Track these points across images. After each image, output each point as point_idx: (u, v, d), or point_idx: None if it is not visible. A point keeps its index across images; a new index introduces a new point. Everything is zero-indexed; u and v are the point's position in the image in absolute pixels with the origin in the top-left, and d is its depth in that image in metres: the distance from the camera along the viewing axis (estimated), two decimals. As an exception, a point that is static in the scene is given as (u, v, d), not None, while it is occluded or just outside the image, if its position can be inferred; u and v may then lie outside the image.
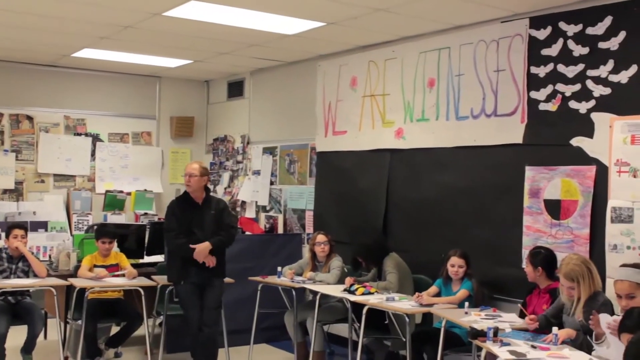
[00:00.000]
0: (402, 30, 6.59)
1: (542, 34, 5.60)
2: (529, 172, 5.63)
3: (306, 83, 8.11)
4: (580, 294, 4.48)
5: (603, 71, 5.17)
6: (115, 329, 6.83)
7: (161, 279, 6.54)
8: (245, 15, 6.16)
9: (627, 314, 3.63)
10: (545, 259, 5.19)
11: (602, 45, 5.19)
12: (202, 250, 5.93)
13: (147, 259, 7.51)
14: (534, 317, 4.54)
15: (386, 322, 5.94)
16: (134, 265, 6.90)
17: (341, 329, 6.84)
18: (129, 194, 9.50)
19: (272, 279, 6.82)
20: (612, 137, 4.91)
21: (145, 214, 9.35)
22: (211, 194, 6.39)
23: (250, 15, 6.16)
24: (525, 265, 5.24)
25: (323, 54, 7.81)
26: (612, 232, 4.87)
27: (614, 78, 5.10)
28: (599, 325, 4.01)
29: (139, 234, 7.61)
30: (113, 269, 6.62)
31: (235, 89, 9.52)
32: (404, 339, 5.55)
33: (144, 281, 6.57)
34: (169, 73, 9.50)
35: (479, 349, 4.62)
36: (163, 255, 7.21)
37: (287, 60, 8.34)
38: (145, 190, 9.61)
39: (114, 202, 9.34)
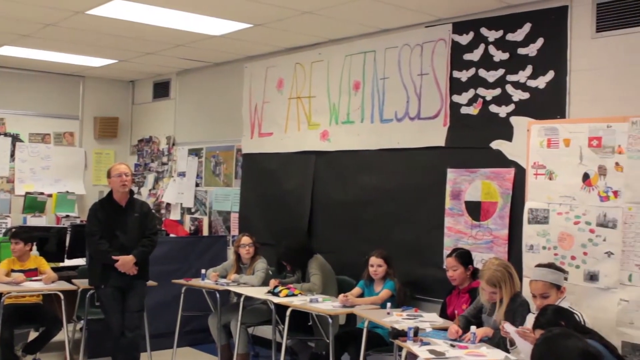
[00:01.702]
0: (329, 33, 6.62)
1: (464, 39, 5.71)
2: (451, 174, 5.72)
3: (233, 84, 8.07)
4: (502, 298, 4.57)
5: (522, 76, 5.30)
6: (34, 335, 6.64)
7: (82, 283, 6.38)
8: (171, 15, 6.09)
9: (542, 311, 3.74)
10: (470, 259, 5.30)
11: (521, 51, 5.32)
12: (125, 263, 5.84)
13: (68, 263, 7.34)
14: (459, 330, 4.61)
15: (310, 323, 5.94)
16: (55, 269, 6.73)
17: (265, 331, 6.82)
18: (50, 195, 9.25)
19: (195, 282, 6.75)
20: (529, 141, 5.03)
21: (67, 216, 9.13)
22: (135, 196, 6.29)
23: (177, 15, 6.09)
24: (451, 266, 5.30)
25: (250, 56, 7.78)
26: (529, 232, 4.99)
27: (532, 83, 5.24)
28: (508, 334, 4.10)
29: (59, 237, 7.44)
30: (31, 273, 6.44)
31: (161, 89, 9.40)
32: (328, 340, 5.56)
33: (64, 285, 6.41)
34: (93, 72, 9.30)
35: (400, 348, 4.67)
36: (84, 259, 7.04)
37: (213, 61, 8.28)
38: (67, 192, 9.38)
39: (34, 204, 9.09)
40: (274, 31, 6.57)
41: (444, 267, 5.43)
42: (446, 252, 5.59)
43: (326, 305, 5.64)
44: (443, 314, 5.34)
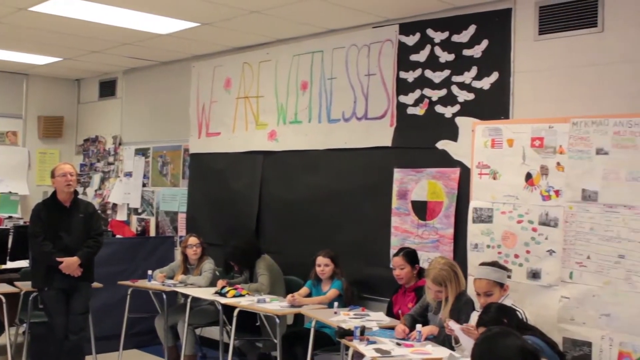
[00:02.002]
0: (277, 32, 6.61)
1: (411, 40, 5.75)
2: (397, 174, 5.77)
3: (180, 84, 8.00)
4: (448, 296, 4.63)
5: (467, 77, 5.37)
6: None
7: (25, 286, 6.26)
8: (118, 13, 6.01)
9: (485, 309, 3.79)
10: (416, 258, 5.35)
11: (467, 52, 5.39)
12: (70, 265, 5.74)
13: (11, 265, 7.17)
14: (406, 330, 4.65)
15: (257, 324, 5.92)
16: (-4, 271, 6.59)
17: (213, 332, 6.77)
18: (-8, 196, 9.06)
19: (142, 283, 6.67)
20: (474, 141, 5.10)
21: (10, 217, 8.92)
22: (81, 196, 6.20)
23: (123, 13, 6.01)
24: (398, 265, 5.34)
25: (198, 55, 7.73)
26: (474, 231, 5.05)
27: (477, 84, 5.31)
28: (452, 330, 4.16)
29: (1, 239, 7.26)
30: (-28, 276, 6.30)
31: (107, 88, 9.26)
32: (275, 340, 5.55)
33: (6, 288, 6.28)
34: (37, 71, 9.12)
35: (347, 348, 4.68)
36: (27, 261, 6.89)
37: (161, 60, 8.20)
38: (10, 192, 9.17)
39: (-25, 205, 8.89)
40: (222, 30, 6.54)
41: (391, 266, 5.46)
42: (393, 251, 5.62)
43: (274, 305, 5.63)
44: (389, 313, 5.38)
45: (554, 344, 3.63)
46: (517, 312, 4.10)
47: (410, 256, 5.35)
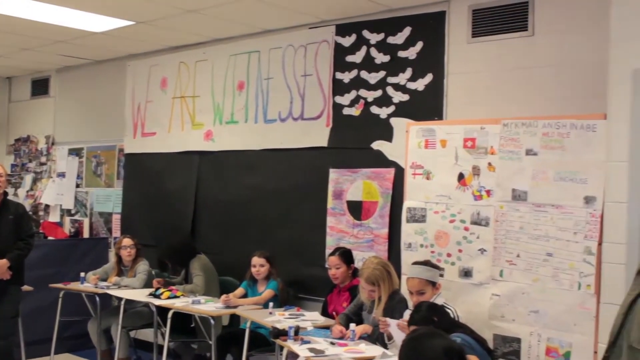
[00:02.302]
0: (213, 32, 6.57)
1: (347, 41, 5.79)
2: (333, 174, 5.79)
3: (115, 82, 7.88)
4: (381, 295, 4.67)
5: (402, 78, 5.43)
6: None
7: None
8: (50, 10, 5.88)
9: (416, 308, 3.83)
10: (351, 257, 5.38)
11: (402, 54, 5.45)
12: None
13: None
14: (343, 330, 4.67)
15: (192, 325, 5.88)
16: None
17: (148, 334, 6.68)
18: None
19: (74, 285, 6.55)
20: (408, 142, 5.15)
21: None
22: (11, 197, 6.05)
23: (55, 10, 5.89)
24: (334, 264, 5.35)
25: (133, 54, 7.62)
26: (408, 231, 5.10)
27: (411, 85, 5.37)
28: (387, 327, 4.20)
29: None
30: None
31: (40, 87, 9.05)
32: (210, 342, 5.51)
33: None
34: (-34, 68, 8.88)
35: (282, 348, 4.68)
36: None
37: (95, 59, 8.06)
38: (-63, 193, 8.88)
39: None
40: (158, 29, 6.47)
41: (327, 265, 5.48)
42: (328, 251, 5.64)
43: (209, 306, 5.59)
44: (324, 313, 5.40)
45: (483, 340, 3.69)
46: (449, 311, 4.17)
47: (346, 256, 5.38)
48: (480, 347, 3.58)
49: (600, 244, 4.15)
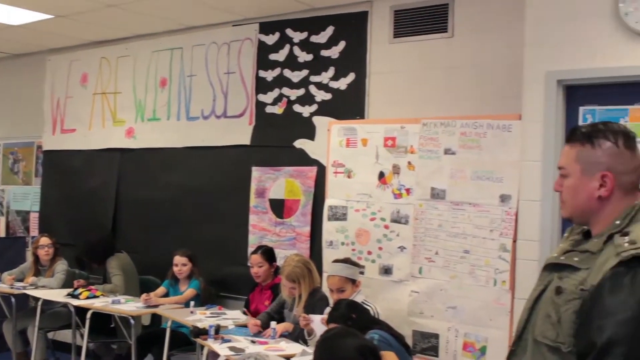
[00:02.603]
0: (135, 27, 6.46)
1: (270, 39, 5.78)
2: (256, 172, 5.78)
3: (34, 77, 7.65)
4: (302, 292, 4.68)
5: (325, 77, 5.45)
6: None
7: None
8: (-37, 1, 5.69)
9: (336, 306, 3.85)
10: (273, 255, 5.38)
11: (325, 53, 5.47)
12: None
13: None
14: (258, 323, 4.68)
15: (112, 325, 5.77)
16: None
17: (66, 335, 6.52)
18: None
19: (-11, 286, 6.35)
20: (329, 140, 5.18)
21: None
22: None
23: (-31, 1, 5.70)
24: (256, 262, 5.33)
25: (53, 48, 7.43)
26: (329, 229, 5.14)
27: (334, 84, 5.40)
28: (308, 324, 4.22)
29: None
30: None
31: (-46, 81, 8.73)
32: (130, 342, 5.43)
33: None
34: None
35: (203, 347, 4.65)
36: None
37: (12, 52, 7.82)
38: None
39: None
40: (78, 23, 6.33)
41: (249, 264, 5.47)
42: (250, 249, 5.63)
43: (129, 306, 5.51)
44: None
45: (401, 337, 3.75)
46: (368, 308, 4.21)
47: (268, 254, 5.38)
48: (398, 343, 3.63)
49: (514, 241, 4.26)
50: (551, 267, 2.12)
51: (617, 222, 2.00)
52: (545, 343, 2.01)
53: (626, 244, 1.90)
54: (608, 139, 2.04)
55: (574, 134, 2.10)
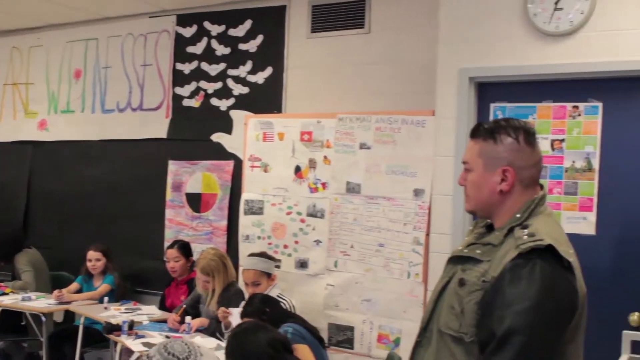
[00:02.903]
0: (48, 17, 6.29)
1: (188, 31, 5.72)
2: (172, 166, 5.73)
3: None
4: (215, 287, 4.66)
5: (242, 71, 5.44)
6: None
7: None
8: None
9: (249, 300, 3.83)
10: (190, 250, 5.33)
11: (243, 46, 5.45)
12: None
13: None
14: (178, 318, 4.63)
15: (23, 323, 5.62)
16: None
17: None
18: None
19: None
20: (246, 134, 5.17)
21: None
22: None
23: None
24: (173, 257, 5.28)
25: (-39, 36, 7.17)
26: (245, 223, 5.12)
27: (251, 78, 5.39)
28: (227, 317, 4.21)
29: None
30: None
31: None
32: (42, 339, 5.30)
33: None
34: None
35: (116, 343, 4.57)
36: None
37: None
38: None
39: None
40: (-13, 11, 6.13)
41: (165, 259, 5.40)
42: (167, 243, 5.57)
43: (40, 303, 5.37)
44: (162, 306, 5.33)
45: (314, 330, 3.76)
46: (284, 302, 4.22)
47: (184, 248, 5.33)
48: (312, 336, 3.65)
49: (427, 234, 4.35)
50: (455, 260, 2.17)
51: (518, 215, 2.07)
52: (449, 334, 2.06)
53: (525, 237, 1.97)
54: (509, 135, 2.10)
55: (478, 130, 2.16)
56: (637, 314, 3.61)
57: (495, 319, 1.91)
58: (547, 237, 1.95)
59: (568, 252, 1.99)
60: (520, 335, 1.86)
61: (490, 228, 2.18)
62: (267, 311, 3.63)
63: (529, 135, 2.11)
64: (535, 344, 1.86)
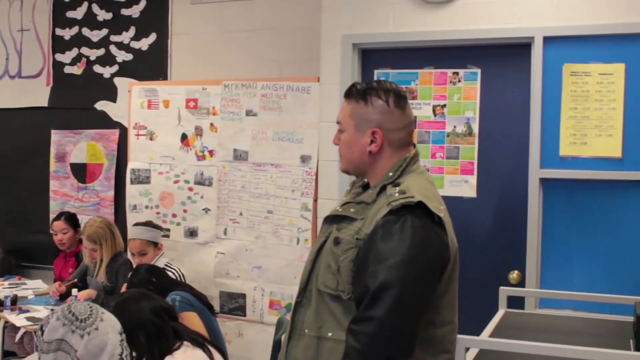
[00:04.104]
0: None
1: (68, -4, 5.54)
2: (55, 135, 5.55)
3: None
4: (103, 256, 4.58)
5: (125, 37, 5.31)
6: None
7: None
8: None
9: (135, 271, 3.78)
10: (77, 221, 5.21)
11: (125, 12, 5.31)
12: None
13: None
14: (62, 288, 4.53)
15: None
16: None
17: None
18: None
19: None
20: (131, 102, 5.06)
21: None
22: None
23: None
24: (60, 229, 5.13)
25: None
26: (132, 192, 5.04)
27: (135, 45, 5.27)
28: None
29: None
30: None
31: None
32: None
33: None
34: None
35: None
36: None
37: None
38: None
39: None
40: None
41: (51, 231, 5.26)
42: (52, 216, 5.42)
43: None
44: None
45: (202, 296, 3.77)
46: (172, 271, 4.20)
47: (72, 220, 5.20)
48: (200, 303, 3.66)
49: (315, 200, 4.40)
50: (331, 219, 2.21)
51: (390, 174, 2.13)
52: (328, 292, 2.10)
53: (396, 194, 2.03)
54: (380, 97, 2.15)
55: (351, 91, 2.20)
56: (516, 272, 3.81)
57: (369, 274, 1.97)
58: (417, 194, 2.01)
59: (439, 208, 2.06)
60: (393, 289, 1.92)
61: (366, 188, 2.23)
62: (153, 281, 3.60)
63: (399, 98, 2.17)
64: (408, 296, 1.93)
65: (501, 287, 3.02)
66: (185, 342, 2.81)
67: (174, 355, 2.72)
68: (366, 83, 2.21)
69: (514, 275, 3.82)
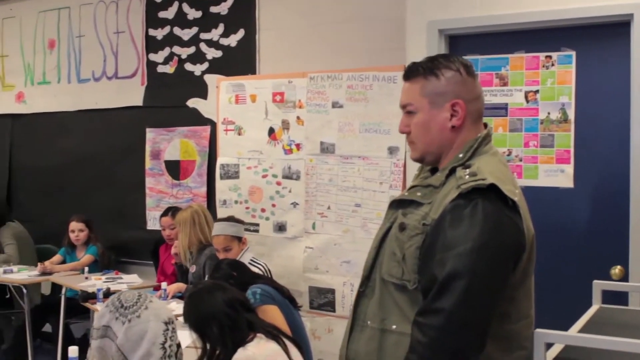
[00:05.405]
0: (20, -13, 6.21)
1: (158, -4, 5.65)
2: (150, 133, 5.67)
3: None
4: (179, 238, 4.68)
5: (215, 34, 5.36)
6: None
7: None
8: None
9: (216, 266, 3.76)
10: None
11: (214, 9, 5.37)
12: None
13: None
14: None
15: (8, 296, 5.60)
16: None
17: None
18: None
19: None
20: (219, 97, 5.09)
21: None
22: None
23: None
24: (168, 225, 5.17)
25: (-63, 11, 7.07)
26: (222, 188, 5.06)
27: (224, 41, 5.31)
28: None
29: None
30: None
31: None
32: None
33: None
34: None
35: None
36: None
37: None
38: None
39: None
40: (-44, -17, 6.03)
41: (148, 227, 5.37)
42: (148, 212, 5.57)
43: (21, 275, 5.35)
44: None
45: (284, 289, 3.72)
46: (258, 266, 4.17)
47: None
48: (281, 295, 3.61)
49: (403, 192, 4.28)
50: (396, 204, 2.08)
51: (460, 155, 1.98)
52: (392, 282, 1.98)
53: (467, 176, 1.88)
54: (450, 69, 2.00)
55: (414, 70, 2.06)
56: (619, 267, 3.56)
57: (436, 263, 1.83)
58: (489, 176, 1.86)
59: (513, 191, 1.89)
60: (462, 279, 1.78)
61: (435, 171, 2.10)
62: (234, 275, 3.57)
63: (468, 67, 2.02)
64: (479, 287, 1.78)
65: (595, 281, 2.80)
66: (259, 334, 2.76)
67: (247, 347, 2.68)
68: (428, 59, 2.07)
69: (616, 270, 3.57)
